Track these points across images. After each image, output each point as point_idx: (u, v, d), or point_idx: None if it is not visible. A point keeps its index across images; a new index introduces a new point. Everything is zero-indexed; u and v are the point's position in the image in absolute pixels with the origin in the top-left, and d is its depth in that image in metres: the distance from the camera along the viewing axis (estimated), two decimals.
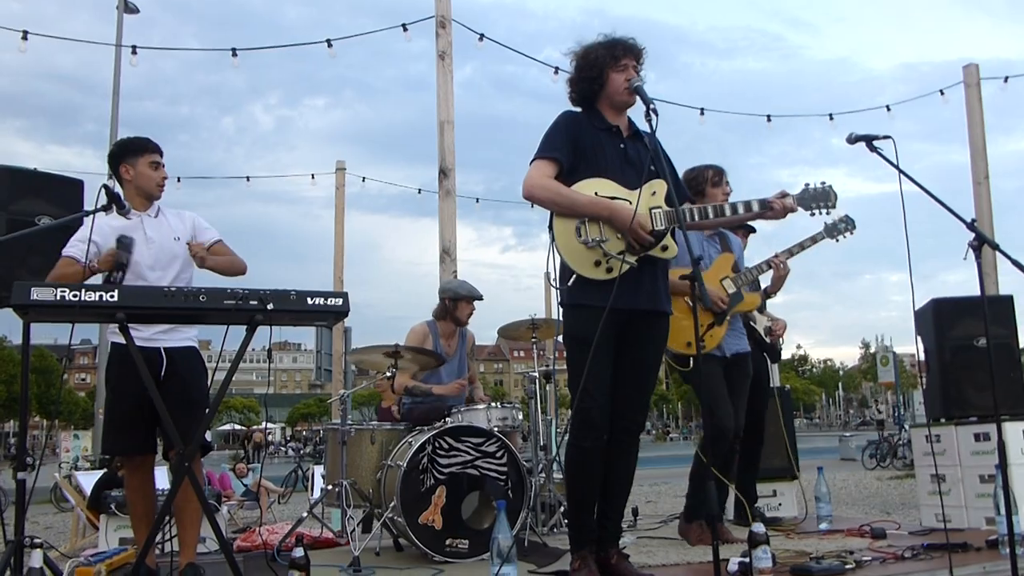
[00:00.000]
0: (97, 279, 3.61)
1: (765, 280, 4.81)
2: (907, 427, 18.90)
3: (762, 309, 5.25)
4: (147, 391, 3.22)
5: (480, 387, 6.07)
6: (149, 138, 3.95)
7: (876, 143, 3.42)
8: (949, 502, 4.86)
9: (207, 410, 3.65)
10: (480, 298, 5.70)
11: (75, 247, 3.68)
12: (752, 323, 5.01)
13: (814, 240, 4.64)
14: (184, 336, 3.84)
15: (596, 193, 3.35)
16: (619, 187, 3.38)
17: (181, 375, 3.75)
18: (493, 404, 5.00)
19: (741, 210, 3.57)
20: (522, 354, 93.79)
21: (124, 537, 5.20)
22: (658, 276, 3.47)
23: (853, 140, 3.46)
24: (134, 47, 8.90)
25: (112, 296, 2.93)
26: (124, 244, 3.61)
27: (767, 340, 5.11)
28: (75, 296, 2.86)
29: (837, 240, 4.52)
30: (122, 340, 3.57)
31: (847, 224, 4.50)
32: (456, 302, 5.61)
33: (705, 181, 4.77)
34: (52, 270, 3.66)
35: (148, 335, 3.70)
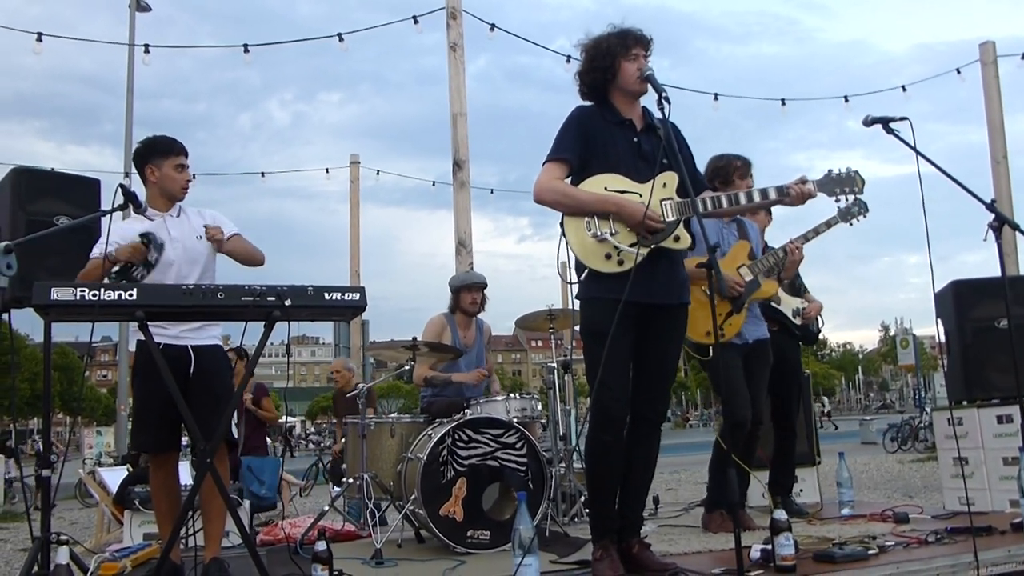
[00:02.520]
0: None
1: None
2: (928, 410, 18.77)
3: (799, 292, 5.22)
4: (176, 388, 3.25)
5: (496, 380, 6.08)
6: (176, 139, 3.95)
7: (892, 125, 3.39)
8: (972, 485, 4.83)
9: (229, 408, 3.67)
10: (482, 284, 5.68)
11: (100, 247, 3.70)
12: (775, 305, 4.97)
13: (829, 224, 4.61)
14: (210, 334, 3.86)
15: (606, 188, 3.34)
16: (630, 181, 3.37)
17: (209, 372, 3.77)
18: (512, 395, 5.01)
19: (757, 197, 3.54)
20: (540, 344, 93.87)
21: (148, 532, 5.25)
22: (674, 268, 3.46)
23: (869, 122, 3.43)
24: (146, 45, 8.97)
25: (131, 295, 2.95)
26: (155, 243, 3.63)
27: (795, 322, 5.07)
28: (95, 296, 2.89)
29: (851, 224, 4.49)
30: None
31: (860, 208, 4.47)
32: (458, 293, 5.62)
33: (734, 171, 4.76)
34: (81, 273, 3.69)
35: (176, 333, 3.73)
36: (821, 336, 5.69)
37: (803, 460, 5.64)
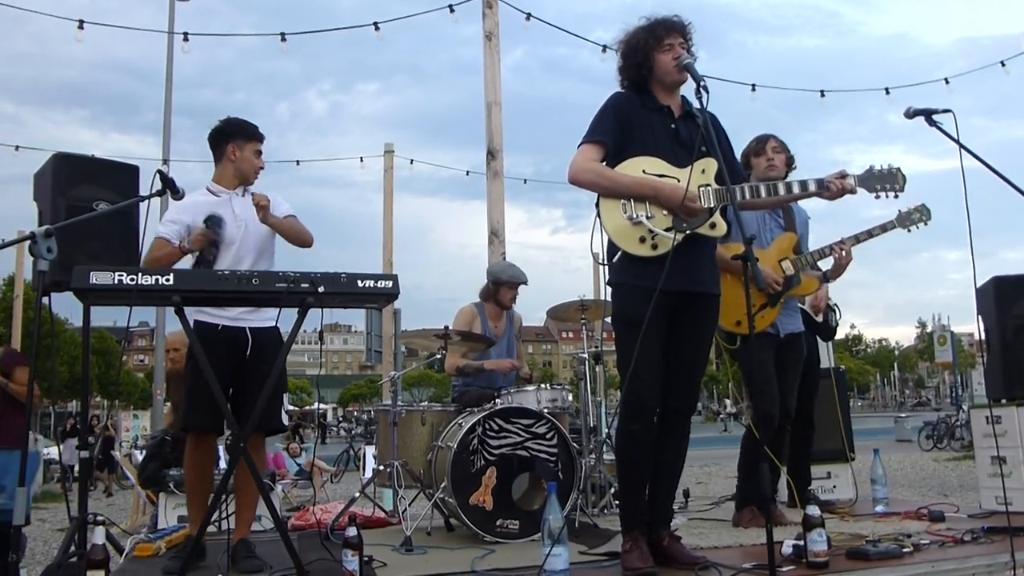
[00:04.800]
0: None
1: (825, 264, 4.69)
2: (965, 408, 18.52)
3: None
4: (231, 370, 3.30)
5: (525, 364, 6.07)
6: (255, 126, 4.04)
7: (935, 117, 3.33)
8: (1010, 484, 4.74)
9: (264, 392, 3.70)
10: (524, 283, 5.67)
11: (168, 227, 3.76)
12: (800, 303, 4.88)
13: (884, 229, 4.50)
14: (268, 316, 3.87)
15: (644, 171, 3.32)
16: (668, 166, 3.35)
17: (265, 354, 3.78)
18: (543, 385, 5.01)
19: (796, 189, 3.51)
20: (571, 335, 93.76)
21: (183, 515, 5.32)
22: (707, 256, 3.44)
23: (911, 114, 3.37)
24: (185, 34, 9.04)
25: (168, 280, 2.99)
26: (214, 222, 3.69)
27: (816, 319, 4.98)
28: (132, 280, 2.93)
29: (909, 230, 4.40)
30: (202, 318, 3.68)
31: (922, 214, 4.37)
32: (498, 286, 5.62)
33: (749, 153, 4.73)
34: (148, 252, 3.75)
35: (234, 315, 3.76)
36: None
37: (837, 456, 5.59)
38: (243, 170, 3.97)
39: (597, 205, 3.36)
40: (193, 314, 3.80)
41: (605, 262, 3.46)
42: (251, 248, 3.87)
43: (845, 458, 5.74)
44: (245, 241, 3.85)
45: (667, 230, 3.26)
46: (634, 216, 3.28)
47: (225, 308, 3.72)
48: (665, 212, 3.29)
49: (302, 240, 3.95)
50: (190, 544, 3.54)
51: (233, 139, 3.96)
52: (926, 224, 4.38)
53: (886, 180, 3.55)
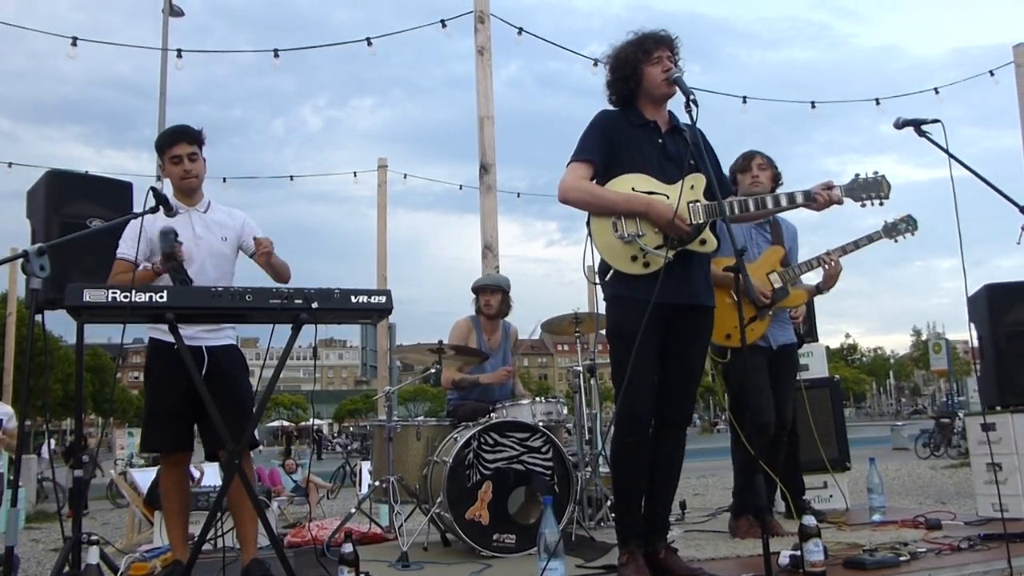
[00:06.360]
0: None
1: (815, 276, 4.71)
2: (961, 415, 18.54)
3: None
4: (189, 388, 3.28)
5: (519, 382, 6.07)
6: (172, 131, 3.84)
7: (925, 127, 3.35)
8: (1006, 491, 4.75)
9: (254, 408, 3.69)
10: (496, 287, 5.66)
11: (128, 247, 3.66)
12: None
13: (871, 239, 4.51)
14: (225, 335, 3.85)
15: (633, 188, 3.33)
16: (657, 182, 3.36)
17: (224, 373, 3.75)
18: (537, 399, 5.01)
19: (784, 202, 3.52)
20: (566, 348, 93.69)
21: None
22: (700, 270, 3.45)
23: (901, 125, 3.40)
24: (179, 50, 9.06)
25: (162, 297, 2.99)
26: (165, 234, 3.60)
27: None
28: (126, 297, 2.92)
29: (896, 240, 4.41)
30: (160, 336, 3.62)
31: (908, 224, 4.39)
32: (478, 294, 5.63)
33: (735, 170, 4.76)
34: (111, 276, 3.67)
35: (191, 333, 3.66)
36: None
37: (833, 465, 5.59)
38: (171, 182, 3.83)
39: (588, 224, 3.37)
40: (148, 331, 3.75)
41: (598, 281, 3.47)
42: (209, 268, 3.78)
43: (841, 467, 5.74)
44: (206, 258, 3.77)
45: (658, 248, 3.27)
46: (625, 235, 3.28)
47: (182, 327, 3.65)
48: (655, 230, 3.30)
49: (286, 276, 3.87)
50: (179, 569, 3.51)
51: (159, 154, 3.82)
52: (912, 234, 4.40)
53: (871, 188, 3.58)
